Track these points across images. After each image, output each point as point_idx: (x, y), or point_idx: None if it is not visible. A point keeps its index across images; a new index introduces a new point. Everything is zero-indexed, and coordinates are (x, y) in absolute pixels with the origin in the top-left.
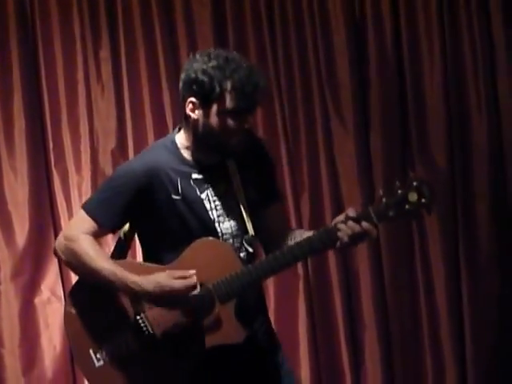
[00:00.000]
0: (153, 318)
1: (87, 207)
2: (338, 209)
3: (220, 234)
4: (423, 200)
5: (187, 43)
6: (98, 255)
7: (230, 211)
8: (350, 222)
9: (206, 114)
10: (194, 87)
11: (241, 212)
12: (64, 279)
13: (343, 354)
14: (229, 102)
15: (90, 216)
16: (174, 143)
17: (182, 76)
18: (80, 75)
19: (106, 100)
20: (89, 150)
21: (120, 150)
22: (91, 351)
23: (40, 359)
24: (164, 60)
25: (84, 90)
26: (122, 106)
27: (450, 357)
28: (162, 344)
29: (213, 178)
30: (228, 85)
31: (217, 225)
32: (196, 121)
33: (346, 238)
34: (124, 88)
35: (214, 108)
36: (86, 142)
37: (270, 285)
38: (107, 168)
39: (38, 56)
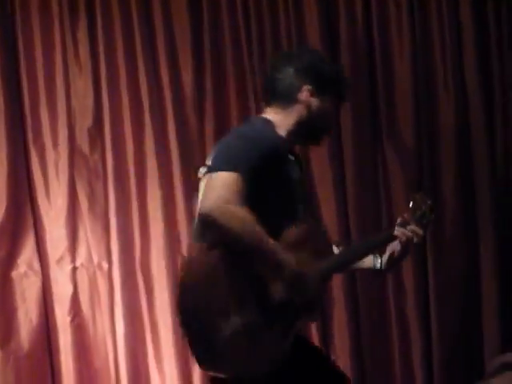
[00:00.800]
0: (275, 291)
1: (238, 167)
2: (310, 189)
3: (299, 217)
4: (433, 215)
5: (163, 26)
6: (258, 225)
7: (303, 195)
8: (410, 226)
9: (322, 100)
10: (315, 76)
11: (307, 197)
12: (41, 254)
13: (312, 328)
14: (341, 91)
15: (241, 176)
16: (271, 123)
17: (292, 66)
18: (58, 55)
19: (83, 79)
20: (66, 127)
21: (96, 128)
22: (216, 321)
23: (16, 332)
24: (141, 41)
25: (62, 70)
26: (99, 86)
27: (416, 331)
28: (278, 316)
29: (296, 162)
30: (340, 75)
31: (298, 206)
32: (309, 106)
33: (404, 238)
34: (101, 68)
35: (330, 95)
36: (63, 120)
37: None
38: (84, 145)
39: (17, 36)
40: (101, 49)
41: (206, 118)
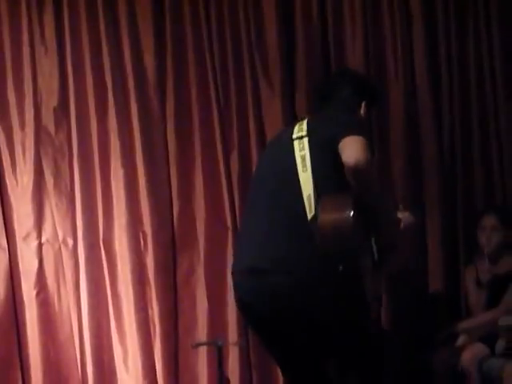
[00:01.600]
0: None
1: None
2: None
3: None
4: None
5: (126, 9)
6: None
7: None
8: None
9: (367, 113)
10: (368, 93)
11: None
12: (8, 231)
13: None
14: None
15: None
16: None
17: (352, 84)
18: (25, 37)
19: (49, 60)
20: (32, 107)
21: (62, 108)
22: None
23: None
24: (104, 23)
25: (28, 51)
26: (65, 67)
27: None
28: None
29: None
30: (378, 91)
31: None
32: (364, 115)
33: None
34: (66, 49)
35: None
36: (29, 100)
37: (201, 235)
38: (50, 125)
39: None
40: (66, 31)
41: (167, 99)
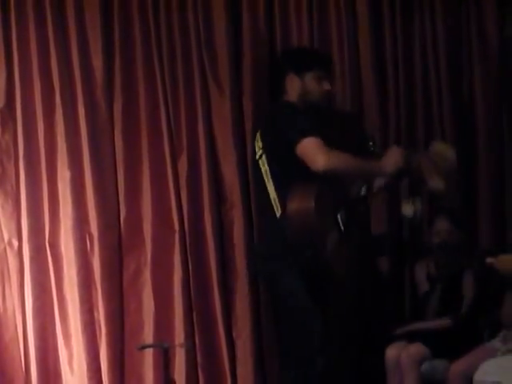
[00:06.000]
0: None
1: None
2: (214, 168)
3: None
4: None
5: (75, 11)
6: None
7: None
8: None
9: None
10: (292, 59)
11: None
12: None
13: (216, 300)
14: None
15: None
16: None
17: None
18: None
19: None
20: None
21: (8, 110)
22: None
23: None
24: (52, 25)
25: None
26: (12, 68)
27: None
28: None
29: None
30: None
31: None
32: None
33: None
34: (13, 50)
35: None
36: None
37: (148, 238)
38: None
39: None
40: (13, 32)
41: (114, 101)
